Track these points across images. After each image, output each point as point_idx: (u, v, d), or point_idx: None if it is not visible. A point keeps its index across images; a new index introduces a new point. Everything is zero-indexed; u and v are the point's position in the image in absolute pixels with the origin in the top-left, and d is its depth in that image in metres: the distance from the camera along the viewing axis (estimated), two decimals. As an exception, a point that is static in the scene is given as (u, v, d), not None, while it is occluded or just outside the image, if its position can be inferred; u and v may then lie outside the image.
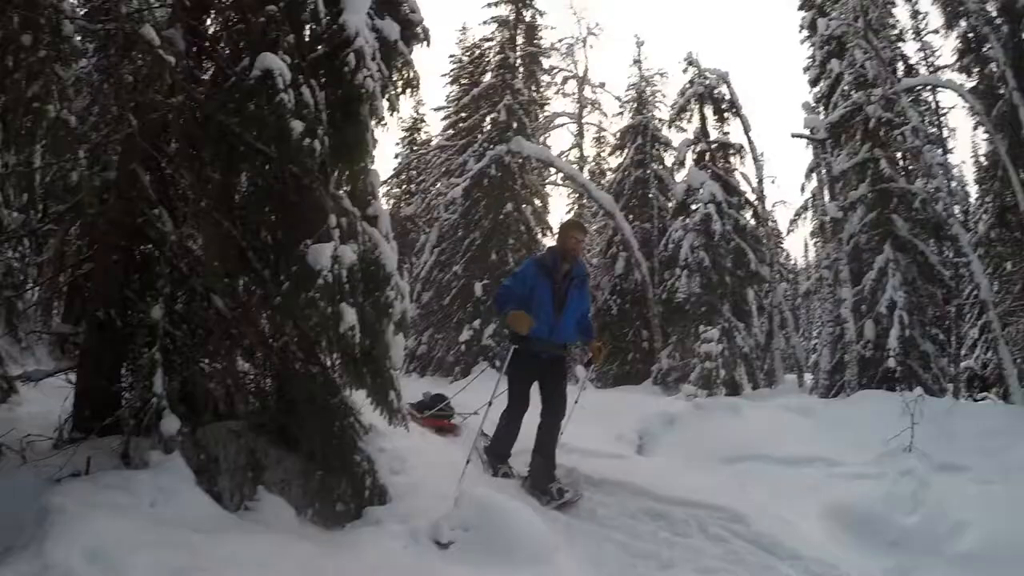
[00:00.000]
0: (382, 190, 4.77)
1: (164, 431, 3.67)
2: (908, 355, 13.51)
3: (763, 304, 18.78)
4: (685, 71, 19.53)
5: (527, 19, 20.37)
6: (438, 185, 21.40)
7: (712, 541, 4.69)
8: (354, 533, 3.77)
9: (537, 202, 19.46)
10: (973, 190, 23.33)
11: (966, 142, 71.01)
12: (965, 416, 8.48)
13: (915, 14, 19.57)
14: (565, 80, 26.46)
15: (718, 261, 17.02)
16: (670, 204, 19.97)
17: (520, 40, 19.96)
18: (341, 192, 4.25)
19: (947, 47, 16.74)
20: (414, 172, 26.40)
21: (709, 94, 18.78)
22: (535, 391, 5.93)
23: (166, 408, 3.74)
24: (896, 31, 19.21)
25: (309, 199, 3.97)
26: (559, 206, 33.84)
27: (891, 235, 14.23)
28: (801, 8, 19.81)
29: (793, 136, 15.28)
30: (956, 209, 17.41)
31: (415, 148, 28.15)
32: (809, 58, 18.94)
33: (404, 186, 27.06)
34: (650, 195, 20.79)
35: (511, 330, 5.80)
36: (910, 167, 15.56)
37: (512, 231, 17.91)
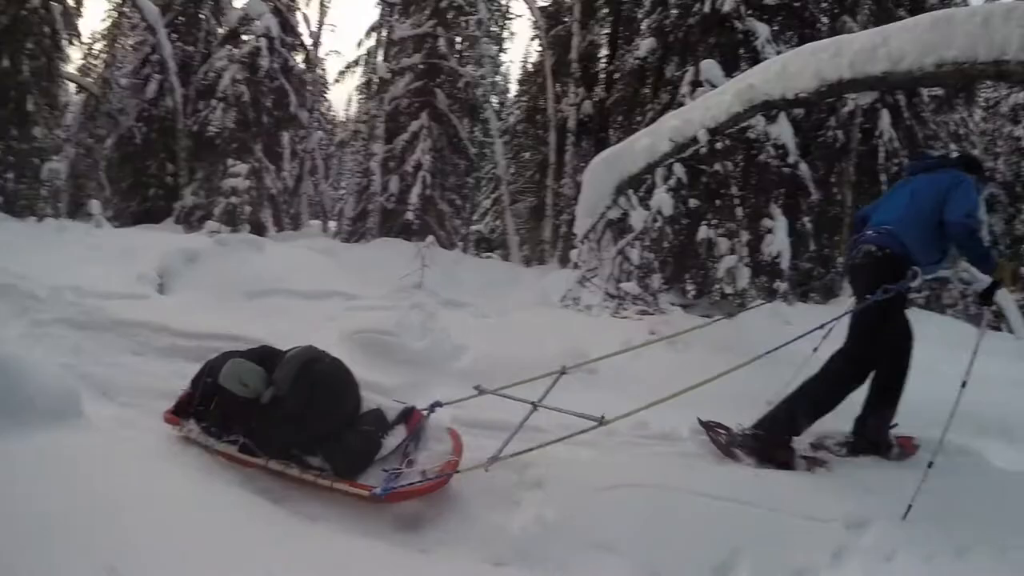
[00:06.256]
0: None
1: None
2: (426, 212, 14.71)
3: (296, 149, 18.66)
4: None
5: None
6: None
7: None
8: None
9: (70, 1, 15.71)
10: (513, 88, 26.17)
11: (521, 48, 78.88)
12: (471, 267, 9.79)
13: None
14: None
15: (258, 98, 16.18)
16: (220, 30, 18.30)
17: None
18: None
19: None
20: None
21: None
22: None
23: None
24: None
25: None
26: (96, 10, 28.04)
27: (431, 106, 15.10)
28: None
29: (366, -9, 15.12)
30: (494, 99, 19.48)
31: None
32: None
33: None
34: (201, 15, 18.73)
35: (992, 283, 4.02)
36: (465, 52, 16.66)
37: (34, 33, 14.13)
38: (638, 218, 7.46)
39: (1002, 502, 3.66)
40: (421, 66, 15.38)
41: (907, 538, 3.30)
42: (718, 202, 9.32)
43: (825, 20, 12.60)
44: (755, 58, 9.97)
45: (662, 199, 7.82)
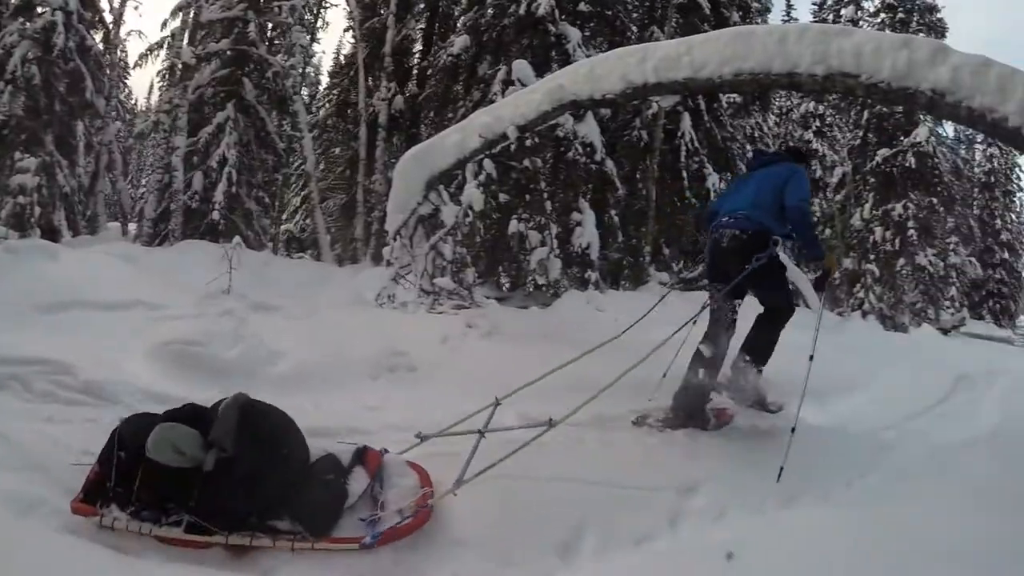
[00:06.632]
0: None
1: None
2: (233, 211, 13.95)
3: (92, 141, 17.16)
4: None
5: None
6: None
7: (40, 398, 4.24)
8: None
9: None
10: (324, 80, 25.40)
11: (334, 39, 77.01)
12: (281, 268, 9.50)
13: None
14: None
15: (51, 82, 14.56)
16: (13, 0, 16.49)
17: None
18: None
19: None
20: None
21: None
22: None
23: None
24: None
25: None
26: None
27: (238, 96, 14.31)
28: None
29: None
30: (304, 91, 18.82)
31: None
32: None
33: None
34: (-3, -17, 16.60)
35: (823, 272, 4.91)
36: (276, 40, 15.98)
37: None
38: (449, 213, 7.48)
39: (821, 455, 4.08)
40: (229, 52, 14.46)
41: (736, 495, 3.59)
42: (528, 197, 9.58)
43: (635, 29, 13.18)
44: (566, 60, 10.26)
45: (472, 194, 7.92)
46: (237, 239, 9.24)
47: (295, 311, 6.89)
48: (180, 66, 13.81)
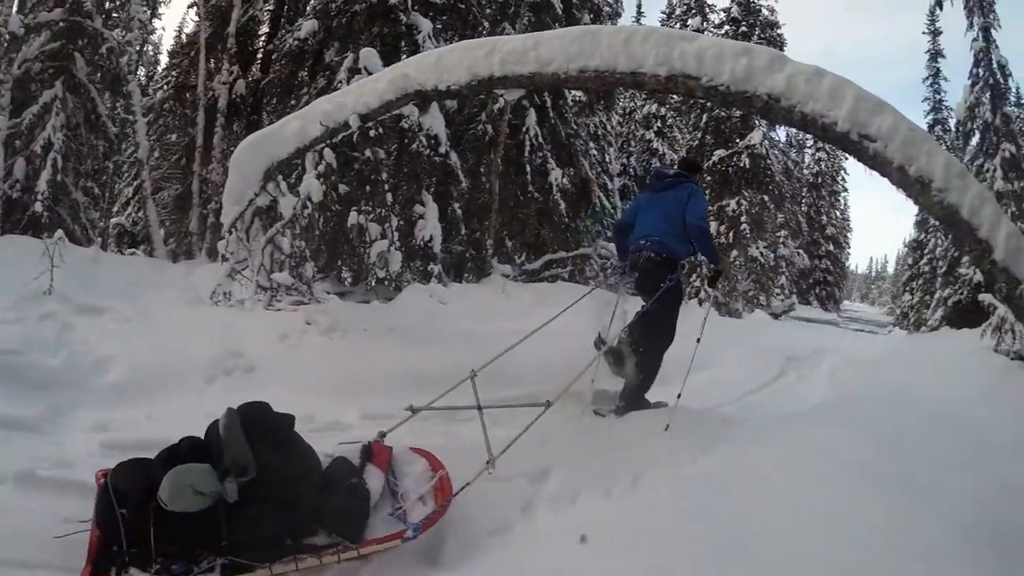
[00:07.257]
0: None
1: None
2: (58, 202, 12.82)
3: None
4: None
5: None
6: None
7: None
8: None
9: None
10: (163, 60, 23.92)
11: (177, 15, 72.04)
12: (111, 266, 9.01)
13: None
14: None
15: None
16: None
17: None
18: None
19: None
20: None
21: None
22: None
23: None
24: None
25: None
26: None
27: (68, 72, 13.15)
28: None
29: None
30: (141, 71, 17.62)
31: None
32: None
33: None
34: None
35: (716, 272, 5.77)
36: (114, 13, 14.80)
37: None
38: (288, 205, 7.28)
39: (667, 432, 4.41)
40: (61, 23, 13.19)
41: (586, 479, 3.77)
42: (369, 188, 9.55)
43: (487, 24, 13.29)
44: (415, 51, 10.18)
45: (312, 185, 7.82)
46: (60, 233, 8.64)
47: (125, 312, 6.58)
48: (6, 36, 12.70)
